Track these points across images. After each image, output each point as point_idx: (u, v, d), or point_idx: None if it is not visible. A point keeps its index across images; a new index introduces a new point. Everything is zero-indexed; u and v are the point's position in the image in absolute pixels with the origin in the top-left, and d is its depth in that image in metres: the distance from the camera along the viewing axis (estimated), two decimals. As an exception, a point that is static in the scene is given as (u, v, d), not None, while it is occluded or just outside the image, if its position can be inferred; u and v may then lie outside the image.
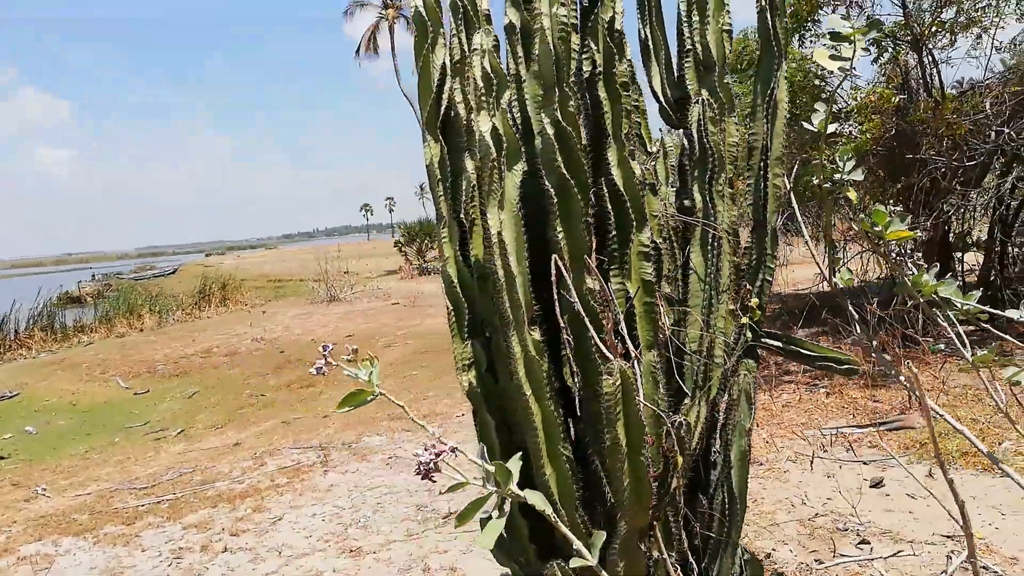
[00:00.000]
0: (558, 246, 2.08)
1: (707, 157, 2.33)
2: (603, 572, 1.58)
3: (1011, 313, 2.06)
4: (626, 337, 2.06)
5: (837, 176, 2.09)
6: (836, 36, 1.89)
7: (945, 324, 2.11)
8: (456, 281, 2.42)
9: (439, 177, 2.43)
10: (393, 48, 31.91)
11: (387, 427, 6.78)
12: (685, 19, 2.48)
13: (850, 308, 2.28)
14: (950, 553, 3.20)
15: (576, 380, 2.14)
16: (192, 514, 4.94)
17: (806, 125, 2.00)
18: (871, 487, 4.02)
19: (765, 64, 2.48)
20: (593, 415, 2.14)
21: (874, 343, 2.30)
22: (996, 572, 3.00)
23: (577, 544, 1.51)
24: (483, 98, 2.09)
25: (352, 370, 1.43)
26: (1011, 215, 7.21)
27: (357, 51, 35.12)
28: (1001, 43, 6.62)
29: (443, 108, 2.43)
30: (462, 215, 2.48)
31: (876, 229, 2.02)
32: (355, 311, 14.82)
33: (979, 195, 6.84)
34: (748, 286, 2.46)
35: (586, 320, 2.03)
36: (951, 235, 7.50)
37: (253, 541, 4.37)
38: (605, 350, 2.03)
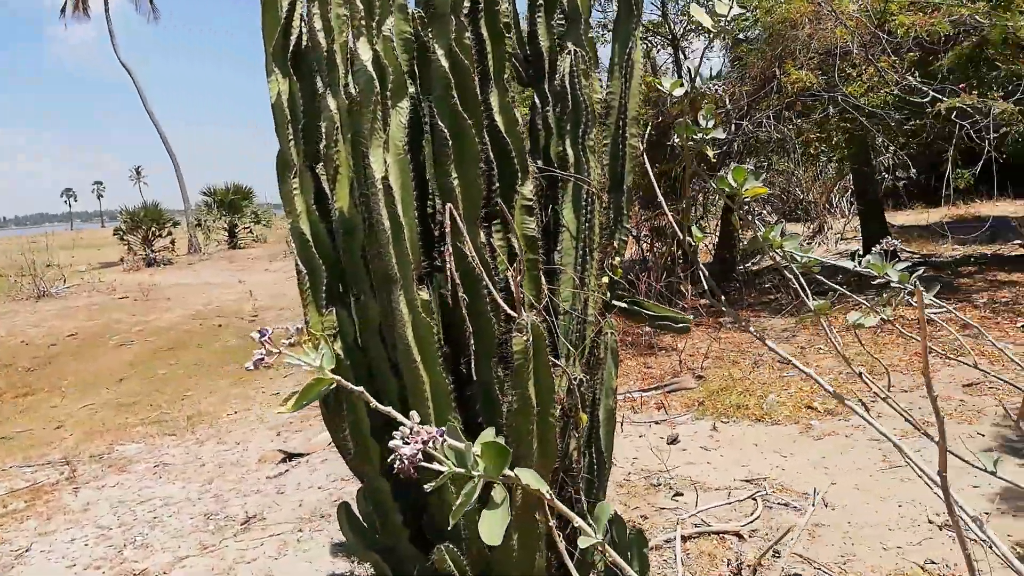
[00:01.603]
0: (452, 193, 1.88)
1: (580, 110, 2.26)
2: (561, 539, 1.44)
3: (845, 263, 2.28)
4: (520, 295, 1.92)
5: (699, 136, 2.13)
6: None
7: (791, 277, 2.26)
8: (310, 239, 2.10)
9: (288, 117, 2.09)
10: (107, 9, 28.11)
11: (143, 433, 5.92)
12: (548, -31, 2.38)
13: (701, 267, 2.36)
14: (753, 496, 3.51)
15: (471, 342, 1.96)
16: None
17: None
18: (668, 444, 4.30)
19: (623, 24, 2.48)
20: (489, 379, 1.98)
21: (722, 299, 2.40)
22: (796, 507, 3.35)
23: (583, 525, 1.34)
24: (362, 23, 1.82)
25: (299, 356, 1.15)
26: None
27: (63, 10, 30.41)
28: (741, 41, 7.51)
29: (295, 37, 2.09)
30: (316, 164, 2.17)
31: (732, 187, 2.10)
32: (74, 307, 12.84)
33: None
34: (613, 244, 2.45)
35: (484, 276, 1.86)
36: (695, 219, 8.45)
37: (-8, 581, 3.53)
38: (507, 308, 1.87)
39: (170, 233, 21.91)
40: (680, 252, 7.27)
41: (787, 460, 3.91)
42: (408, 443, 1.10)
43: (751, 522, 3.24)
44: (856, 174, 9.31)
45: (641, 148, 2.55)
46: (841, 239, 12.21)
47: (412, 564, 2.16)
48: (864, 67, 6.57)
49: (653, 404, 5.10)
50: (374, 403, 1.20)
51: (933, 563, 2.72)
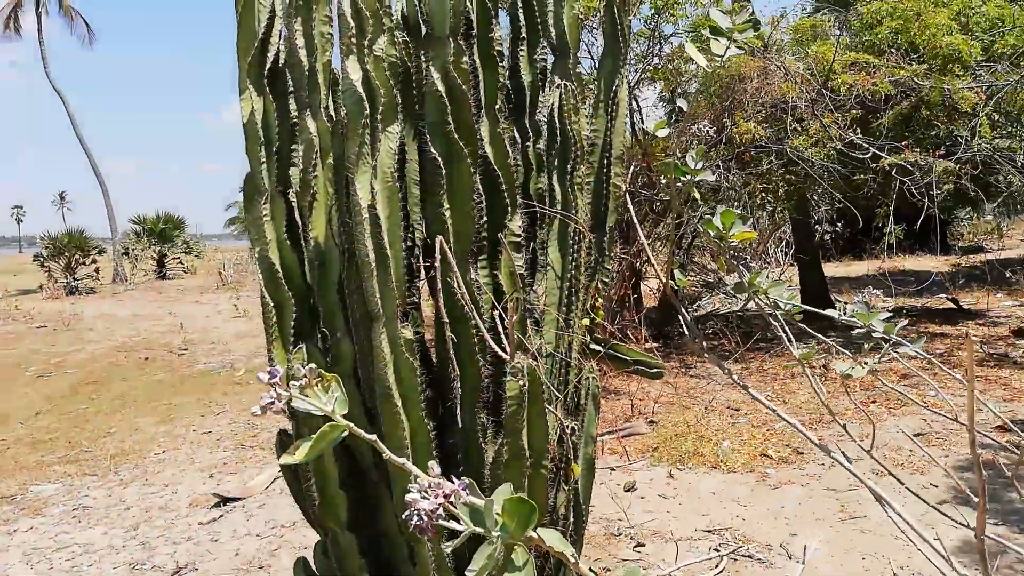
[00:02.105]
0: (443, 226, 1.76)
1: (568, 145, 2.18)
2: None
3: (831, 312, 2.25)
4: (513, 337, 1.81)
5: (687, 177, 2.09)
6: (716, 31, 1.88)
7: (776, 324, 2.23)
8: (280, 270, 1.95)
9: (261, 138, 1.95)
10: (40, 31, 27.13)
11: (61, 473, 5.49)
12: (536, 2, 2.33)
13: (682, 311, 2.30)
14: (716, 547, 3.43)
15: (456, 385, 1.83)
16: None
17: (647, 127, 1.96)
18: (626, 491, 4.20)
19: (609, 59, 2.43)
20: (473, 426, 1.85)
21: (704, 344, 2.34)
22: (761, 559, 3.28)
23: None
24: (352, 40, 1.70)
25: (310, 401, 1.01)
26: (687, 244, 8.39)
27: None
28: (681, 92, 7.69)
29: (272, 54, 1.96)
30: (289, 189, 2.03)
31: (720, 231, 2.06)
32: (-16, 336, 12.05)
33: (663, 227, 7.82)
34: (596, 286, 2.37)
35: (474, 314, 1.74)
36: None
37: None
38: (498, 350, 1.76)
39: (95, 261, 20.94)
40: (633, 295, 7.28)
41: (746, 509, 3.85)
42: (427, 497, 0.97)
43: (717, 575, 3.15)
44: (796, 225, 9.58)
45: (624, 188, 2.49)
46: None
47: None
48: (810, 121, 6.78)
49: (607, 449, 5.00)
50: (389, 454, 1.06)
51: (906, 620, 2.68)
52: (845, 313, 2.30)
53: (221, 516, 4.38)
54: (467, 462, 1.89)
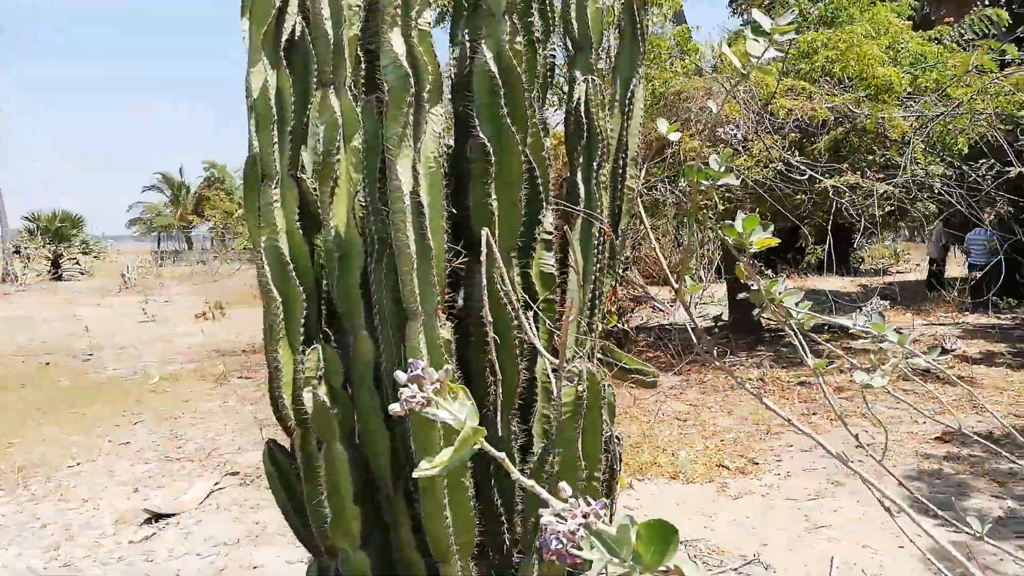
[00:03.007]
0: (490, 217, 1.63)
1: (595, 142, 2.09)
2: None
3: (843, 320, 2.25)
4: (564, 339, 1.69)
5: (708, 181, 2.04)
6: (757, 30, 1.84)
7: (791, 333, 2.20)
8: (289, 261, 1.77)
9: (274, 116, 1.77)
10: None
11: (-39, 487, 4.96)
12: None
13: (690, 318, 2.25)
14: (693, 558, 3.38)
15: (494, 391, 1.69)
16: None
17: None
18: (588, 504, 4.12)
19: (627, 56, 2.36)
20: (508, 435, 1.71)
21: (714, 351, 2.30)
22: (737, 570, 3.25)
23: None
24: (397, 11, 1.56)
25: (445, 407, 0.86)
26: (626, 257, 8.50)
27: None
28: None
29: (291, 25, 1.79)
30: (301, 172, 1.85)
31: (739, 237, 2.02)
32: None
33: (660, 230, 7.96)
34: (613, 289, 2.28)
35: (520, 315, 1.62)
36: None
37: None
38: (547, 355, 1.64)
39: (-21, 258, 19.43)
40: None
41: (712, 520, 3.84)
42: (563, 520, 0.84)
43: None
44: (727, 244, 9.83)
45: (638, 190, 2.42)
46: (699, 303, 12.85)
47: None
48: (752, 142, 6.96)
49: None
50: (518, 475, 0.92)
51: (892, 631, 2.70)
52: (857, 324, 2.30)
53: (154, 534, 4.04)
54: (501, 476, 1.76)
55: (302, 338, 1.82)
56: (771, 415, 5.74)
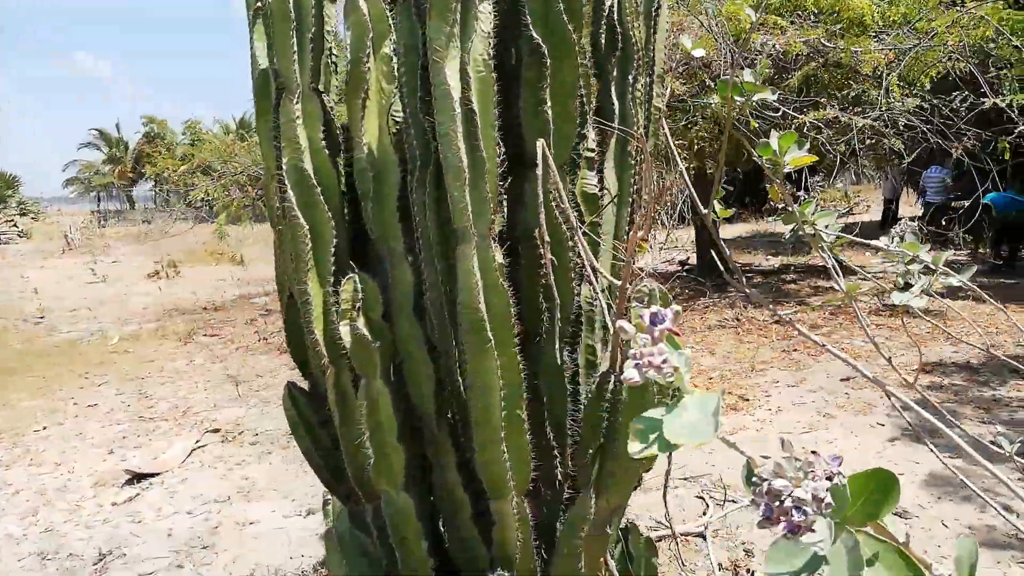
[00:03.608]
0: (545, 127, 1.50)
1: (630, 55, 1.95)
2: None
3: (880, 242, 2.19)
4: (631, 256, 1.58)
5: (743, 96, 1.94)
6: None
7: (825, 256, 2.14)
8: (316, 185, 1.62)
9: (292, 20, 1.60)
10: None
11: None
12: None
13: (721, 243, 2.16)
14: (699, 495, 3.37)
15: (548, 318, 1.58)
16: None
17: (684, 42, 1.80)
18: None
19: (651, -33, 2.21)
20: (560, 366, 1.61)
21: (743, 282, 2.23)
22: (745, 504, 3.25)
23: None
24: None
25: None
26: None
27: None
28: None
29: (309, -85, 1.60)
30: (323, 85, 1.68)
31: (773, 155, 1.94)
32: None
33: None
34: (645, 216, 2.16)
35: (579, 235, 1.50)
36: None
37: None
38: (609, 277, 1.53)
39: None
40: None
41: (711, 456, 3.84)
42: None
43: (709, 520, 3.09)
44: (698, 186, 9.82)
45: (664, 109, 2.30)
46: (663, 248, 12.90)
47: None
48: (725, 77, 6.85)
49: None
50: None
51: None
52: (892, 244, 2.24)
53: (138, 495, 3.87)
54: (555, 408, 1.66)
55: (332, 268, 1.67)
56: (752, 353, 5.77)
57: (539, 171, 1.45)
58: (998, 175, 7.59)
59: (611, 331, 1.88)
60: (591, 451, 1.59)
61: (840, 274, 2.08)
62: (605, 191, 2.00)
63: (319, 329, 1.67)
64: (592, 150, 1.76)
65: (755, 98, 1.89)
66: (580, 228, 1.63)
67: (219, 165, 10.79)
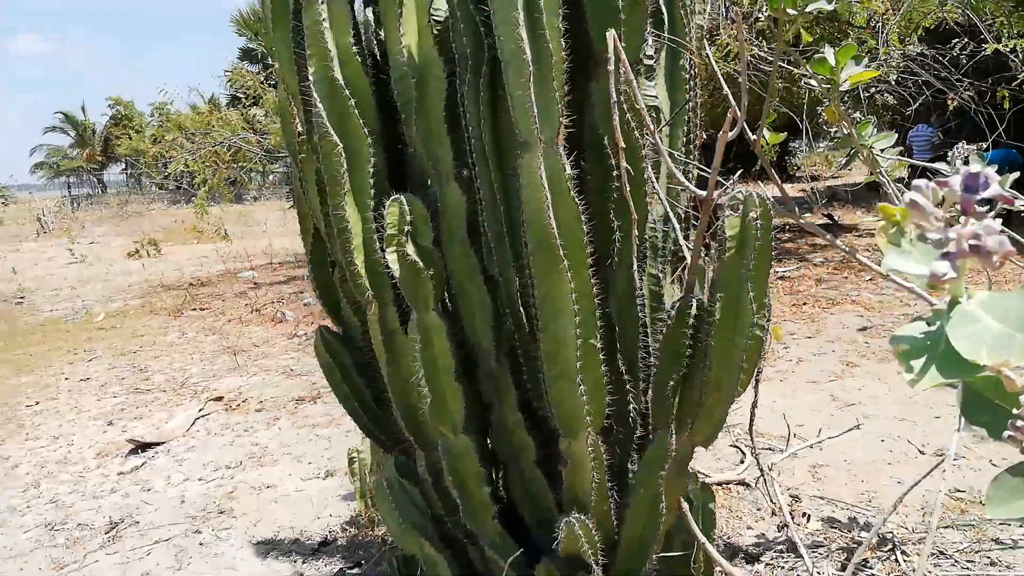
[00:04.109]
0: (615, 16, 1.35)
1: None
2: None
3: (939, 166, 2.08)
4: (718, 160, 1.43)
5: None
6: None
7: (883, 178, 2.03)
8: (349, 96, 1.46)
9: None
10: None
11: None
12: None
13: (770, 170, 2.03)
14: (733, 444, 3.28)
15: (621, 236, 1.44)
16: None
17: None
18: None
19: None
20: (633, 289, 1.47)
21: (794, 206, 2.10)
22: (781, 449, 3.16)
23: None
24: None
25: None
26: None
27: None
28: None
29: None
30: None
31: (830, 72, 1.82)
32: None
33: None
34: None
35: (659, 138, 1.36)
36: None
37: None
38: (690, 185, 1.39)
39: None
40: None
41: (739, 407, 3.72)
42: None
43: (746, 469, 3.00)
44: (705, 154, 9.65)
45: (706, 25, 2.14)
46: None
47: (503, 555, 1.58)
48: (722, 33, 6.68)
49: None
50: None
51: (960, 491, 2.64)
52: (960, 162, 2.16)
53: (144, 464, 3.71)
54: (627, 338, 1.52)
55: (372, 191, 1.51)
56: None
57: (610, 67, 1.30)
58: (996, 127, 7.50)
59: (679, 257, 1.75)
60: (672, 383, 1.46)
61: (898, 195, 1.96)
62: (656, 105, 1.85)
63: (359, 260, 1.52)
64: (651, 57, 1.60)
65: (810, 8, 1.78)
66: (652, 133, 1.48)
67: (199, 136, 10.48)
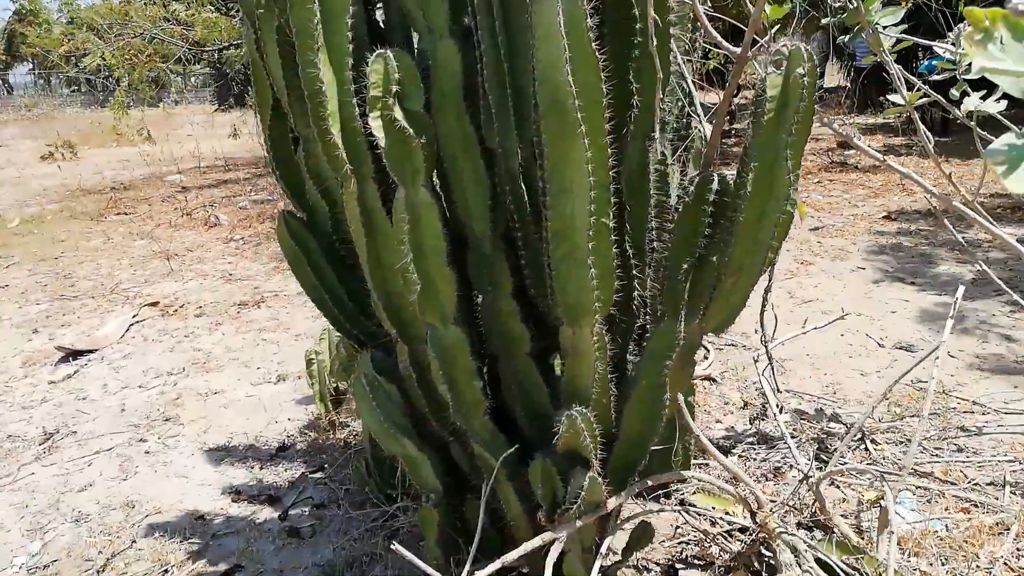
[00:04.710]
0: None
1: None
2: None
3: (940, 46, 1.98)
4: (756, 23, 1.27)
5: None
6: None
7: (887, 60, 1.93)
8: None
9: None
10: None
11: None
12: None
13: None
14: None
15: (638, 102, 1.28)
16: None
17: None
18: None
19: None
20: (646, 162, 1.33)
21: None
22: (744, 346, 3.15)
23: None
24: None
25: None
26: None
27: None
28: None
29: None
30: None
31: None
32: None
33: None
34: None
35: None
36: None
37: None
38: (726, 43, 1.23)
39: None
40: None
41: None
42: None
43: (710, 365, 2.98)
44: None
45: None
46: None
47: (494, 453, 1.47)
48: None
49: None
50: None
51: (922, 382, 2.67)
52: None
53: (76, 372, 3.47)
54: (636, 217, 1.39)
55: (350, 46, 1.30)
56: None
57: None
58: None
59: (681, 135, 1.61)
60: (685, 267, 1.34)
61: (901, 80, 1.86)
62: None
63: (335, 128, 1.32)
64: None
65: None
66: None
67: (116, 27, 9.59)
